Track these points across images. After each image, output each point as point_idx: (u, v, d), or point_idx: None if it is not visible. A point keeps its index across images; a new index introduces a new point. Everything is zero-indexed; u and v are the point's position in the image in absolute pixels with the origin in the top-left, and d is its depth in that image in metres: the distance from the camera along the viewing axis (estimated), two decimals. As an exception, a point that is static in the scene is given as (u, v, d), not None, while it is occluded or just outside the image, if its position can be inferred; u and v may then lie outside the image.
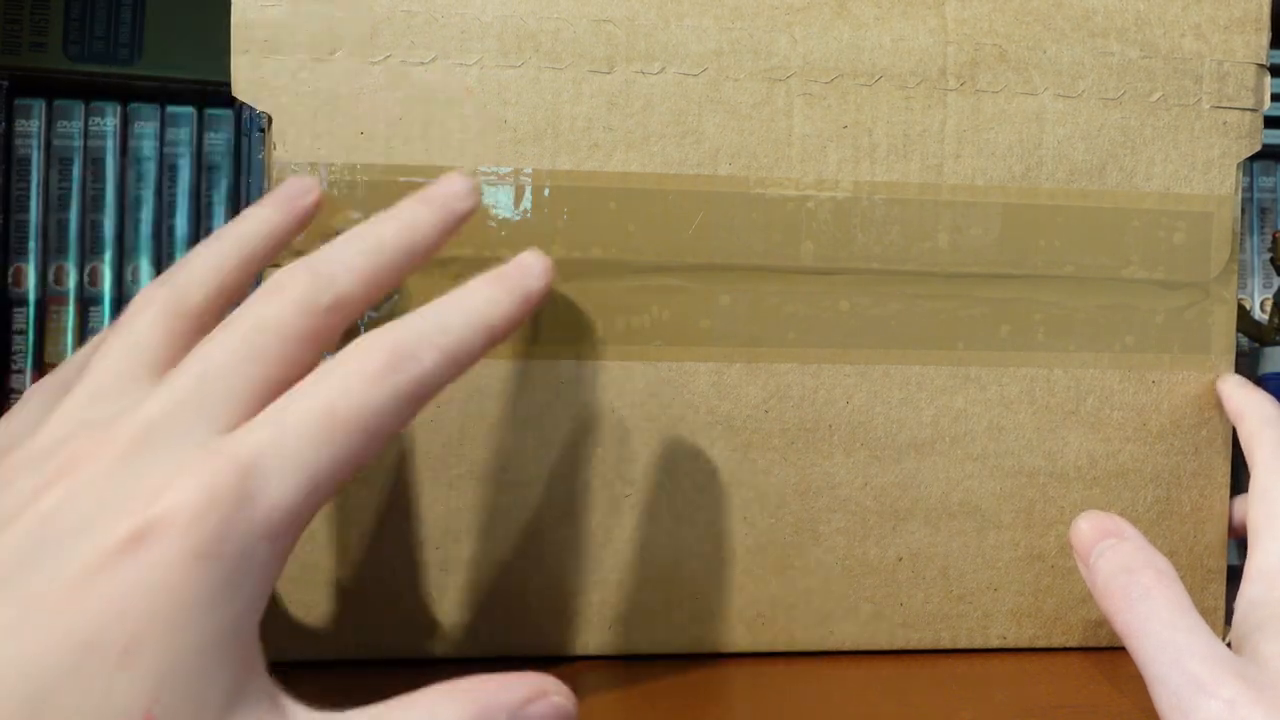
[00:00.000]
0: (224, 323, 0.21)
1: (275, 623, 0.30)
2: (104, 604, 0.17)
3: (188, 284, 0.23)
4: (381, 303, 0.29)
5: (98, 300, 0.48)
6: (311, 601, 0.30)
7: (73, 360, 0.26)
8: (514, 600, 0.31)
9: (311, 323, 0.21)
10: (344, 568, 0.30)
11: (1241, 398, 0.32)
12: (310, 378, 0.20)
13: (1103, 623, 0.34)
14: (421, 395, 0.21)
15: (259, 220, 0.25)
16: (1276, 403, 0.30)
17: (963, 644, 0.33)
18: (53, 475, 0.18)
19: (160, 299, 0.22)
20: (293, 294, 0.21)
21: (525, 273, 0.24)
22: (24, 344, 0.47)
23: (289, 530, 0.19)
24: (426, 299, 0.30)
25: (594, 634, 0.31)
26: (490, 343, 0.22)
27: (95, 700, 0.16)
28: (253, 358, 0.20)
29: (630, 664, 0.31)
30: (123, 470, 0.18)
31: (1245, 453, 0.30)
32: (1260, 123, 0.34)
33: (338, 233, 0.23)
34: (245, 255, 0.24)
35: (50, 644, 0.16)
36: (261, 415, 0.19)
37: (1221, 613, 0.34)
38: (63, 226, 0.48)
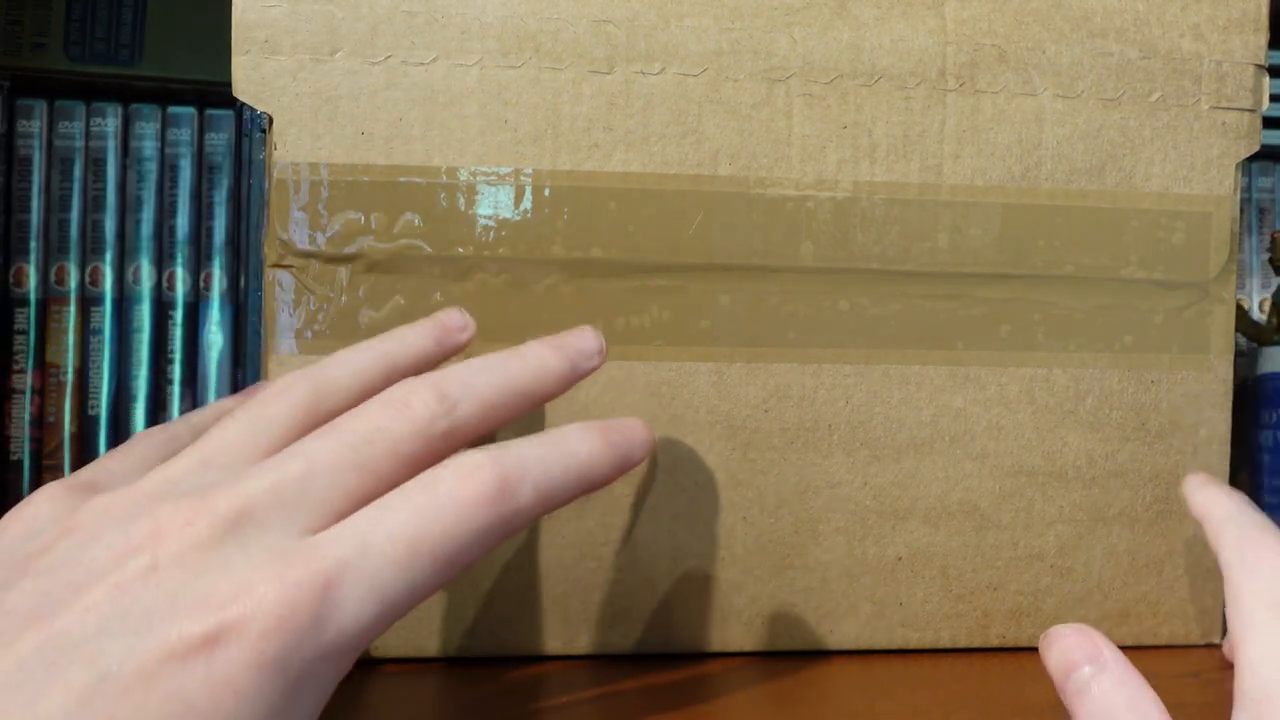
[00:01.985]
0: (336, 422, 0.21)
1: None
2: (170, 697, 0.17)
3: (330, 386, 0.23)
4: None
5: (99, 300, 0.48)
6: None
7: (189, 419, 0.26)
8: (514, 600, 0.31)
9: (424, 446, 0.21)
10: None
11: (1202, 498, 0.29)
12: (409, 487, 0.20)
13: (1101, 621, 0.34)
14: (509, 532, 0.20)
15: (411, 344, 0.25)
16: (1236, 496, 0.29)
17: (962, 644, 0.33)
18: (140, 541, 0.18)
19: (300, 393, 0.22)
20: (414, 414, 0.21)
21: (631, 438, 0.23)
22: (25, 344, 0.47)
23: (354, 650, 0.19)
24: (426, 301, 0.30)
25: (594, 634, 0.31)
26: (580, 494, 0.22)
27: None
28: (359, 466, 0.20)
29: (630, 664, 0.31)
30: (208, 555, 0.18)
31: (1216, 555, 0.28)
32: (1259, 123, 0.34)
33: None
34: (389, 373, 0.24)
35: None
36: (351, 523, 0.19)
37: (1219, 612, 0.34)
38: (64, 227, 0.48)
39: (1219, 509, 0.28)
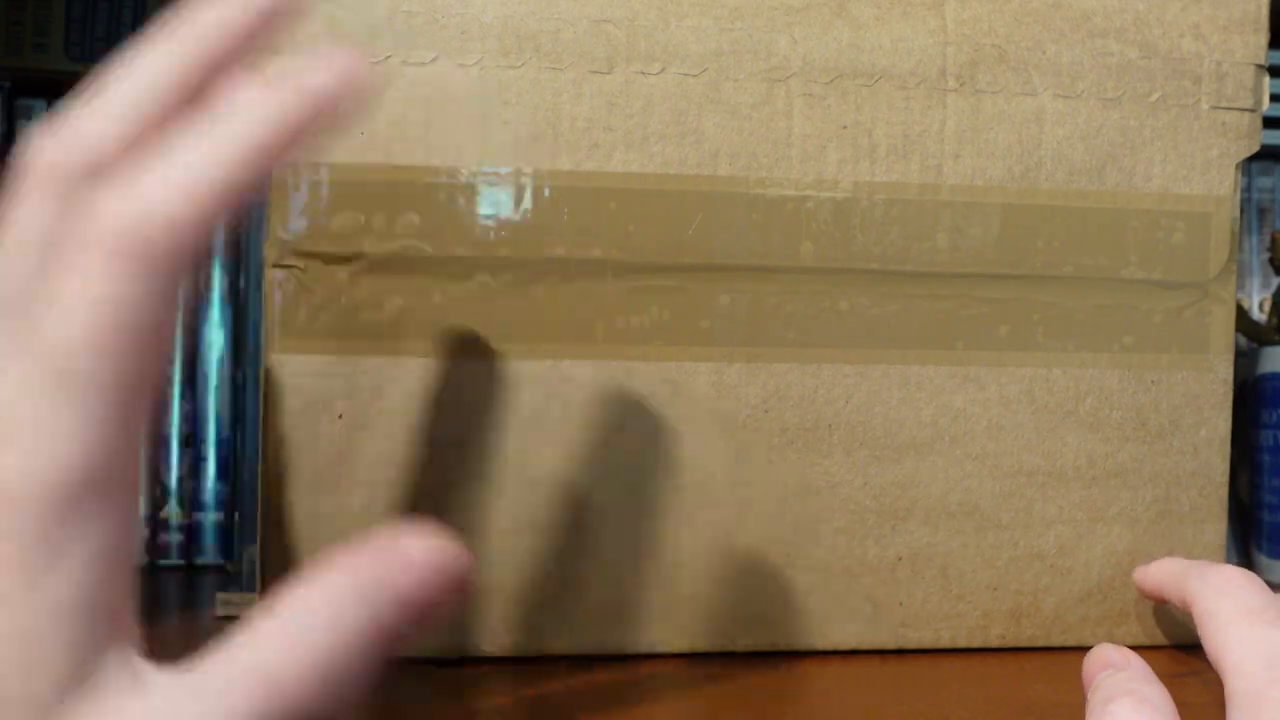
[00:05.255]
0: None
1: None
2: None
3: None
4: None
5: (98, 300, 0.48)
6: (312, 601, 0.30)
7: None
8: (514, 600, 0.31)
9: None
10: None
11: (1152, 570, 0.32)
12: (44, 315, 0.17)
13: (1101, 621, 0.34)
14: (172, 267, 0.17)
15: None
16: (1180, 561, 0.32)
17: (962, 644, 0.33)
18: None
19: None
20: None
21: (318, 68, 0.18)
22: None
23: (95, 489, 0.17)
24: (426, 301, 0.30)
25: (594, 634, 0.31)
26: (283, 153, 0.18)
27: None
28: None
29: (629, 664, 0.31)
30: None
31: (1181, 596, 0.30)
32: (1259, 123, 0.34)
33: None
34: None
35: None
36: (11, 381, 0.17)
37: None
38: (63, 227, 0.48)
39: (1168, 565, 0.32)
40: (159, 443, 0.46)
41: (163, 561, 0.45)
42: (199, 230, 0.17)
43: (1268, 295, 0.53)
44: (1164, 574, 0.31)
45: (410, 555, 0.18)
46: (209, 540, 0.46)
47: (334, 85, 0.18)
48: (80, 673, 0.17)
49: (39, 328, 0.17)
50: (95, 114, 0.18)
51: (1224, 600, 0.26)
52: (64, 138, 0.17)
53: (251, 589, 0.36)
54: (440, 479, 0.31)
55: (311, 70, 0.18)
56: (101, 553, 0.17)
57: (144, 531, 0.46)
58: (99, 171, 0.17)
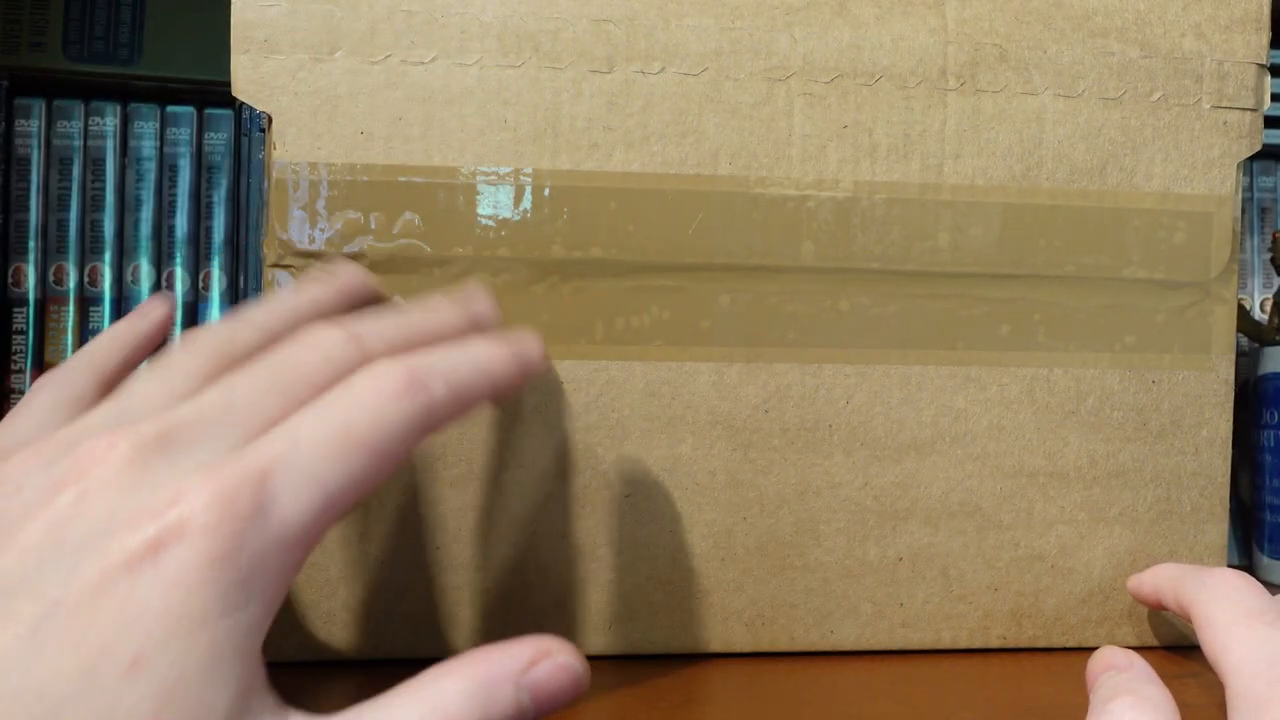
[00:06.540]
0: (251, 360, 0.21)
1: (277, 624, 0.30)
2: (116, 614, 0.17)
3: (238, 336, 0.23)
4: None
5: (98, 300, 0.48)
6: (312, 602, 0.30)
7: (81, 356, 0.27)
8: (514, 600, 0.31)
9: (337, 375, 0.22)
10: (345, 568, 0.30)
11: (1148, 577, 0.32)
12: (326, 396, 0.20)
13: (1102, 622, 0.34)
14: (430, 425, 0.21)
15: (313, 297, 0.26)
16: (1175, 566, 0.32)
17: (963, 644, 0.33)
18: (66, 476, 0.18)
19: (208, 342, 0.22)
20: (326, 346, 0.22)
21: (524, 342, 0.24)
22: (24, 344, 0.47)
23: (301, 543, 0.19)
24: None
25: (594, 634, 0.31)
26: (491, 392, 0.23)
27: (103, 712, 0.16)
28: (278, 392, 0.20)
29: (630, 664, 0.31)
30: (138, 474, 0.18)
31: (1178, 601, 0.30)
32: (1260, 123, 0.34)
33: None
34: (293, 325, 0.24)
35: (62, 659, 0.16)
36: (276, 430, 0.19)
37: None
38: (62, 226, 0.48)
39: (1164, 570, 0.32)
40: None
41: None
42: (457, 404, 0.22)
43: (1269, 295, 0.53)
44: (1160, 579, 0.31)
45: (544, 660, 0.20)
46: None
47: (525, 365, 0.24)
48: (243, 705, 0.18)
49: (318, 411, 0.20)
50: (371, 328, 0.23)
51: (1223, 603, 0.26)
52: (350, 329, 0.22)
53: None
54: (440, 479, 0.31)
55: (523, 342, 0.24)
56: (274, 607, 0.19)
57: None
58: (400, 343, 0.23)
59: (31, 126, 0.47)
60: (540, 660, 0.20)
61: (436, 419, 0.21)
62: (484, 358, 0.23)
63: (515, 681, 0.19)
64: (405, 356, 0.21)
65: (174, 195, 0.48)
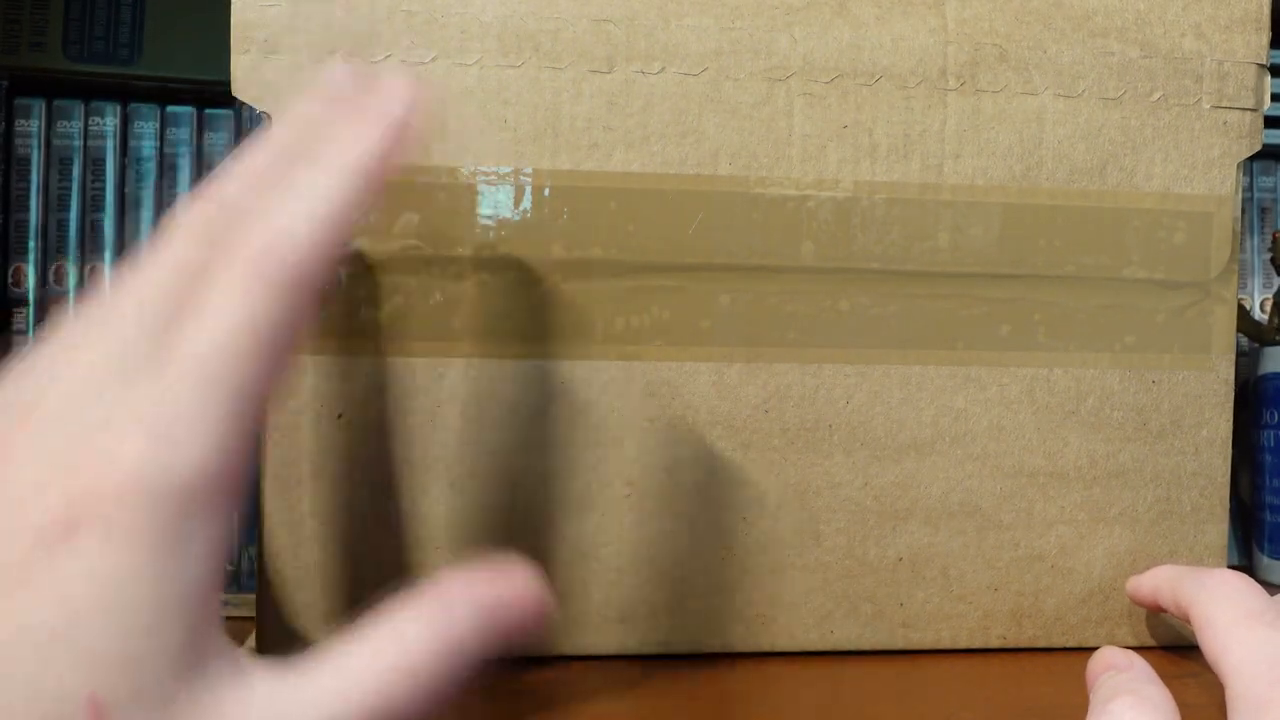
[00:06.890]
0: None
1: (277, 624, 0.30)
2: (42, 591, 0.17)
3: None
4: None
5: (97, 300, 0.48)
6: (312, 602, 0.30)
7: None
8: (514, 600, 0.31)
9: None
10: (345, 568, 0.30)
11: (1147, 578, 0.32)
12: (188, 333, 0.19)
13: (1102, 622, 0.34)
14: (300, 298, 0.19)
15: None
16: (1173, 567, 0.32)
17: (963, 644, 0.33)
18: None
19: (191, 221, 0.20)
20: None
21: (389, 99, 0.21)
22: (23, 344, 0.47)
23: (219, 488, 0.19)
24: (426, 301, 0.30)
25: (594, 634, 0.31)
26: (365, 192, 0.20)
27: (30, 685, 0.17)
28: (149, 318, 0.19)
29: (630, 664, 0.31)
30: (43, 445, 0.18)
31: (1176, 601, 0.30)
32: (1260, 123, 0.34)
33: None
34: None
35: None
36: (159, 381, 0.19)
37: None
38: (63, 226, 0.48)
39: (1162, 572, 0.32)
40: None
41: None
42: (322, 250, 0.20)
43: (1269, 295, 0.53)
44: (1158, 581, 0.31)
45: (503, 583, 0.21)
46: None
47: (409, 112, 0.21)
48: (193, 657, 0.18)
49: (182, 337, 0.19)
50: (230, 178, 0.21)
51: (1222, 604, 0.26)
52: (206, 197, 0.20)
53: (251, 589, 0.36)
54: (440, 479, 0.31)
55: (389, 100, 0.22)
56: (216, 546, 0.19)
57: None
58: (237, 217, 0.20)
59: (31, 126, 0.47)
60: (499, 582, 0.20)
61: (302, 294, 0.20)
62: (346, 163, 0.20)
63: (475, 604, 0.20)
64: (245, 260, 0.19)
65: (174, 195, 0.48)
